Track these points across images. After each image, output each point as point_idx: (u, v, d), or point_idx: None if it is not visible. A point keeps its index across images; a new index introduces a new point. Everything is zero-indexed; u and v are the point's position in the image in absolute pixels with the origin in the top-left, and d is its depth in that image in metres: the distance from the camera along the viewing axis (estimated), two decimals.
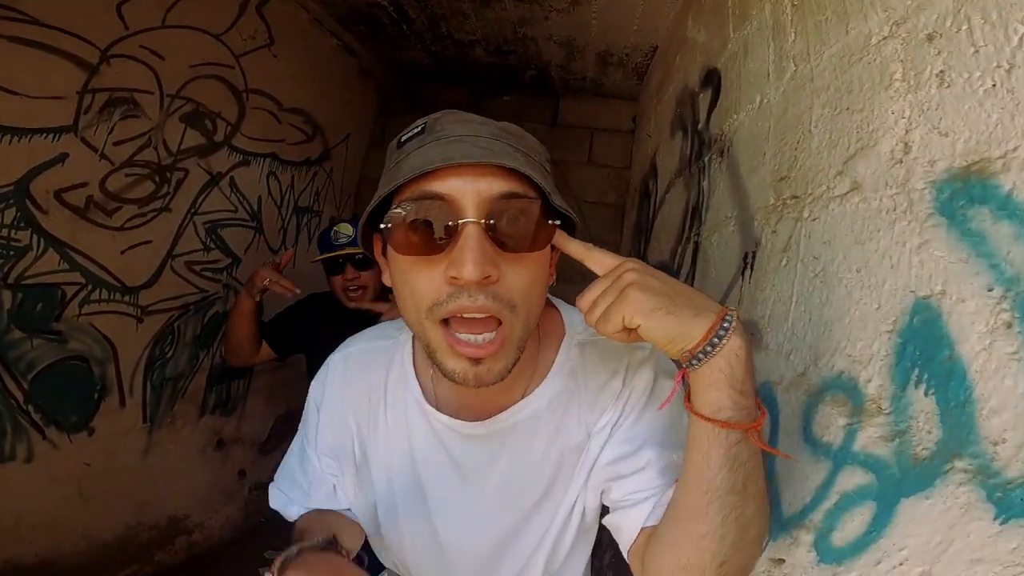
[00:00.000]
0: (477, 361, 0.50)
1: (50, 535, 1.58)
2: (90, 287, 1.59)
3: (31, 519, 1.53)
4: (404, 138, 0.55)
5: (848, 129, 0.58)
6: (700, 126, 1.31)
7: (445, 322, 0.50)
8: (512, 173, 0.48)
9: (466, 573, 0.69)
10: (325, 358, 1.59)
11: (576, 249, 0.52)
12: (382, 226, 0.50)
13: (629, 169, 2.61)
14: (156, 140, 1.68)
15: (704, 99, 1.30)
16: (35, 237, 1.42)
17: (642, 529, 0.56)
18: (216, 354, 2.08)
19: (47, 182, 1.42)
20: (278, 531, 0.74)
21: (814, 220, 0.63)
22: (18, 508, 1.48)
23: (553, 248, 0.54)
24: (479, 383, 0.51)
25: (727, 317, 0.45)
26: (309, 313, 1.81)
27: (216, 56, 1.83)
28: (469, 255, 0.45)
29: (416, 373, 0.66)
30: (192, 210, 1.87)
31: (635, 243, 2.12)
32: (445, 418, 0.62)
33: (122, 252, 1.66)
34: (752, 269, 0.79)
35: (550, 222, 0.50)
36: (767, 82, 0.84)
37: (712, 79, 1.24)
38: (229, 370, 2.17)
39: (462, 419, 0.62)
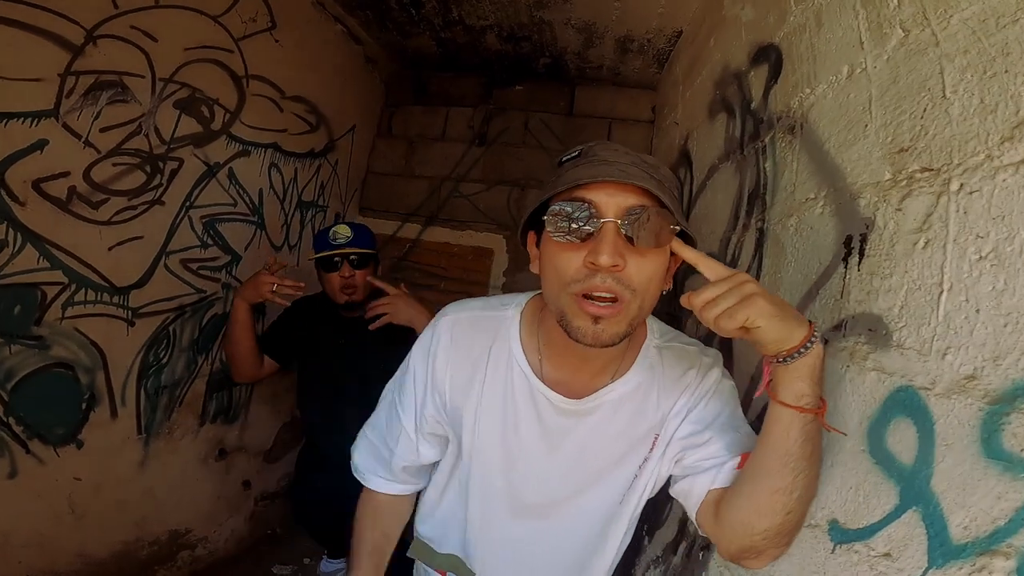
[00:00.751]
0: (597, 320, 0.62)
1: (42, 554, 1.45)
2: (74, 287, 1.45)
3: (19, 537, 1.40)
4: (564, 159, 0.68)
5: (1010, 93, 0.48)
6: (754, 106, 1.20)
7: (577, 295, 0.62)
8: (644, 192, 0.61)
9: (526, 527, 0.82)
10: (320, 362, 1.57)
11: (690, 255, 0.63)
12: (544, 217, 0.63)
13: None
14: (147, 127, 1.55)
15: (757, 77, 1.20)
16: (11, 232, 1.29)
17: (710, 490, 0.71)
18: (216, 359, 1.95)
19: (24, 170, 1.28)
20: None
21: (972, 193, 0.50)
22: (3, 526, 1.35)
23: (672, 256, 0.66)
24: (596, 340, 0.62)
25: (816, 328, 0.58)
26: (304, 317, 1.79)
27: (214, 39, 1.70)
28: (606, 247, 0.59)
29: (523, 347, 0.77)
30: (187, 203, 1.73)
31: None
32: (549, 391, 0.75)
33: (110, 249, 1.52)
34: (862, 255, 0.66)
35: (670, 229, 0.62)
36: (858, 51, 0.75)
37: (768, 55, 1.14)
38: (230, 376, 2.04)
39: (560, 395, 0.75)
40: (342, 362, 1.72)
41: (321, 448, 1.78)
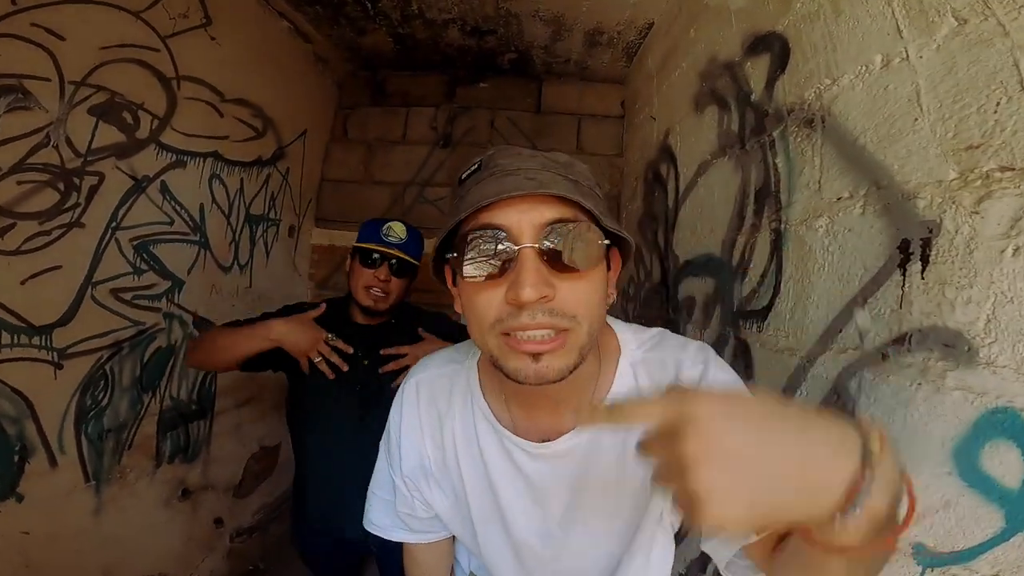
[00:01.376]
0: (537, 357, 0.52)
1: None
2: None
3: None
4: (463, 176, 0.60)
5: None
6: (755, 98, 1.14)
7: (507, 335, 0.53)
8: (562, 201, 0.52)
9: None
10: (313, 377, 1.38)
11: (600, 418, 0.41)
12: (447, 256, 0.56)
13: (622, 157, 2.41)
14: (57, 137, 1.33)
15: (756, 67, 1.15)
16: None
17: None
18: (165, 397, 1.72)
19: None
20: None
21: None
22: None
23: (610, 267, 0.59)
24: (540, 379, 0.53)
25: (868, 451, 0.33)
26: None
27: (135, 37, 1.48)
28: (526, 278, 0.50)
29: (484, 395, 0.70)
30: (113, 224, 1.51)
31: (645, 234, 1.91)
32: (516, 438, 0.66)
33: (22, 283, 1.29)
34: (926, 262, 0.60)
35: (600, 242, 0.53)
36: (896, 39, 0.71)
37: (769, 44, 1.09)
38: (185, 413, 1.81)
39: (531, 440, 0.66)
40: (354, 373, 1.45)
41: (322, 472, 1.52)
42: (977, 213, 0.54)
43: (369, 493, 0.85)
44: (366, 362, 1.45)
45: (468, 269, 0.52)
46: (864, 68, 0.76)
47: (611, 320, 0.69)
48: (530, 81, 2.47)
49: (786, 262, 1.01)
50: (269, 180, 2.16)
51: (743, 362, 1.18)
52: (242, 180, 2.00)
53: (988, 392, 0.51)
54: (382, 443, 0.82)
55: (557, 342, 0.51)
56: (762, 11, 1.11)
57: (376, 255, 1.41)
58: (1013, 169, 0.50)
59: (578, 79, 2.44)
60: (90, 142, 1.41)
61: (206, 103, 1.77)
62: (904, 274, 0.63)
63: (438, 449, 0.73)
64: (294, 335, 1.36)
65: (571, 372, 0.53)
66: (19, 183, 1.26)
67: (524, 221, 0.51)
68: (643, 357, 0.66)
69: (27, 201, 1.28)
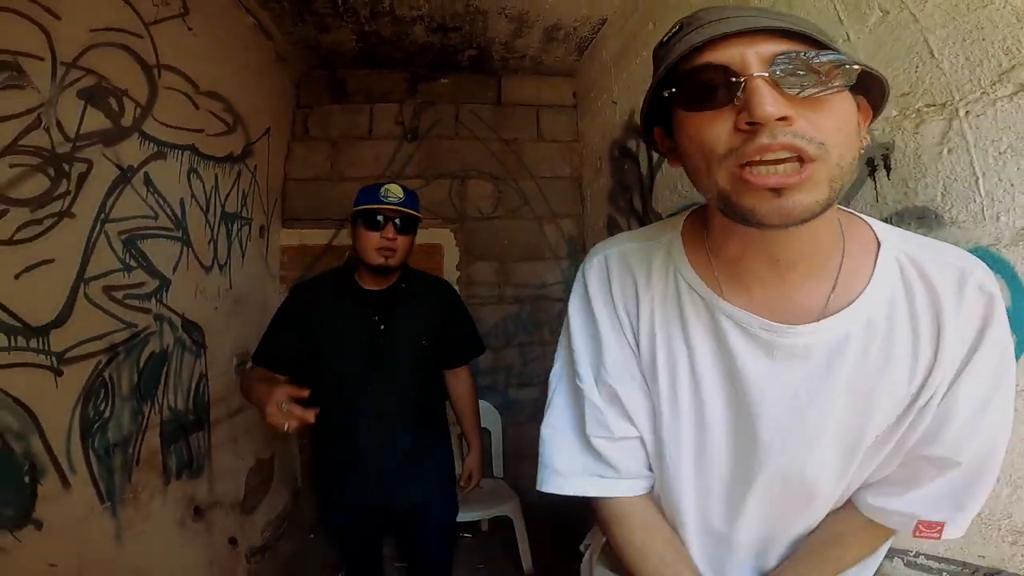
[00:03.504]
0: (778, 192, 0.44)
1: None
2: None
3: None
4: (665, 39, 0.54)
5: (989, 53, 0.72)
6: None
7: (742, 168, 0.46)
8: (788, 37, 0.46)
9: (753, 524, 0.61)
10: (344, 346, 1.45)
11: None
12: (666, 93, 0.49)
13: (578, 142, 2.67)
14: (48, 120, 1.23)
15: None
16: None
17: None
18: (164, 407, 1.60)
19: None
20: None
21: (979, 116, 0.75)
22: None
23: (860, 108, 0.51)
24: (783, 217, 0.45)
25: None
26: (309, 305, 1.53)
27: (122, 21, 1.42)
28: (765, 96, 0.43)
29: (692, 267, 0.60)
30: (102, 215, 1.41)
31: (618, 203, 2.16)
32: (738, 312, 0.55)
33: (16, 276, 1.17)
34: (889, 168, 0.90)
35: (844, 66, 0.45)
36: (837, 26, 1.02)
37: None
38: (184, 424, 1.69)
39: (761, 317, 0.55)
40: (376, 340, 1.47)
41: (359, 441, 1.49)
42: (918, 133, 0.83)
43: (544, 440, 0.67)
44: (382, 327, 1.49)
45: (689, 97, 0.47)
46: None
47: (868, 218, 0.59)
48: (488, 76, 2.66)
49: None
50: (240, 177, 2.08)
51: None
52: (217, 176, 1.92)
53: (959, 241, 0.74)
54: (558, 358, 0.69)
55: (804, 174, 0.43)
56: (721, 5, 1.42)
57: (380, 217, 1.44)
58: (934, 105, 0.80)
59: (532, 73, 2.67)
60: (79, 126, 1.31)
61: (183, 94, 1.70)
62: (875, 179, 0.92)
63: (631, 329, 0.62)
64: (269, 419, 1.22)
65: (822, 210, 0.45)
66: (12, 166, 1.16)
67: (749, 54, 0.45)
68: (913, 253, 0.54)
69: (19, 186, 1.18)
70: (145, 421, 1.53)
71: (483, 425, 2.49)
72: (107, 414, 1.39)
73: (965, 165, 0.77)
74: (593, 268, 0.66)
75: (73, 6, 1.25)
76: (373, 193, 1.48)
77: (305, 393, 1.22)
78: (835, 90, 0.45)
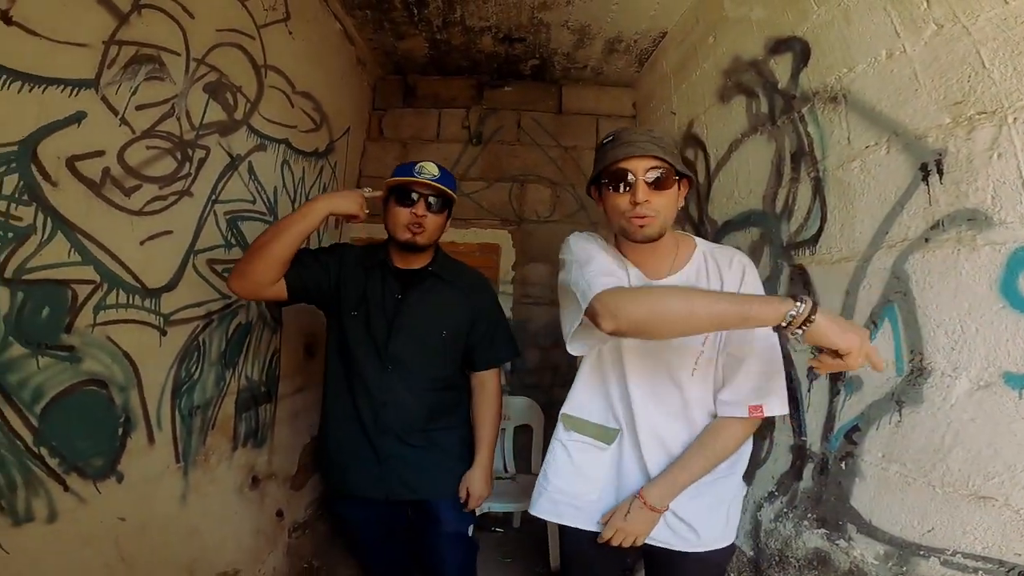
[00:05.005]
0: (643, 227, 1.03)
1: None
2: (106, 287, 1.24)
3: None
4: (604, 142, 1.09)
5: None
6: (781, 86, 1.49)
7: (628, 218, 1.05)
8: (656, 157, 1.02)
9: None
10: (366, 320, 1.53)
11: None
12: (602, 181, 1.07)
13: None
14: (179, 109, 1.41)
15: (780, 63, 1.51)
16: (40, 215, 1.08)
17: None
18: (242, 376, 1.74)
19: (59, 145, 1.10)
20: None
21: None
22: None
23: (679, 190, 1.08)
24: (644, 237, 1.05)
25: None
26: (348, 264, 1.54)
27: (239, 23, 1.60)
28: (641, 191, 1.01)
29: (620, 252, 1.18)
30: (213, 197, 1.57)
31: None
32: (638, 272, 1.14)
33: (141, 243, 1.33)
34: (942, 172, 0.94)
35: (674, 176, 1.04)
36: (894, 39, 1.06)
37: (791, 46, 1.45)
38: (256, 395, 1.82)
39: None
40: (394, 319, 1.48)
41: (374, 420, 1.49)
42: (970, 139, 0.86)
43: (584, 294, 1.01)
44: (402, 307, 1.49)
45: (611, 187, 1.04)
46: (873, 59, 1.11)
47: (693, 236, 1.21)
48: (550, 85, 2.76)
49: (829, 197, 1.30)
50: (322, 172, 2.25)
51: (800, 282, 1.44)
52: (304, 169, 2.09)
53: (1008, 240, 0.79)
54: (572, 270, 1.07)
55: (650, 220, 1.02)
56: (781, 20, 1.47)
57: (415, 194, 1.41)
58: (985, 112, 0.84)
59: (593, 83, 2.75)
60: (202, 117, 1.49)
61: (282, 92, 1.88)
62: (927, 183, 0.95)
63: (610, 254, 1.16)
64: (338, 198, 1.42)
65: (658, 237, 1.05)
66: (148, 148, 1.33)
67: (639, 166, 1.01)
68: (711, 249, 1.17)
69: (152, 165, 1.35)
70: (225, 387, 1.67)
71: (525, 421, 2.54)
72: (196, 376, 1.53)
73: (1013, 169, 0.79)
74: (575, 235, 1.18)
75: (205, 7, 1.43)
76: (408, 168, 1.45)
77: (379, 193, 1.49)
78: (671, 185, 1.04)
